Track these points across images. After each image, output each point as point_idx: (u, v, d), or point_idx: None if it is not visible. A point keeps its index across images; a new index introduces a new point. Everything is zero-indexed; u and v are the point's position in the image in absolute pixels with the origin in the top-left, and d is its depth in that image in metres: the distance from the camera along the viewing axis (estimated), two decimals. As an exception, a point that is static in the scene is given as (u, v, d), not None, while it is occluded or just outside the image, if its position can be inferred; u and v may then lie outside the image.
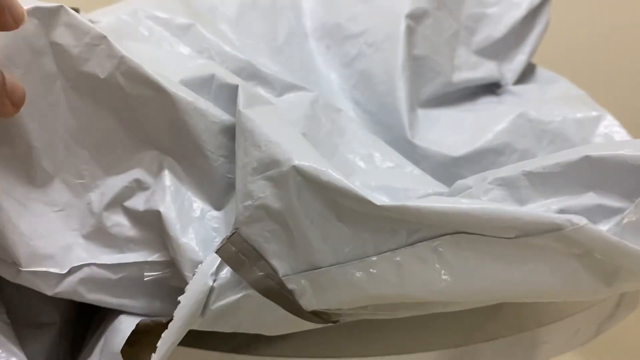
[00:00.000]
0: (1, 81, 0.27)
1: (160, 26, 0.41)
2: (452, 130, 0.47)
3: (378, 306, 0.32)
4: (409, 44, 0.47)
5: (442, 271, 0.28)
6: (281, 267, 0.31)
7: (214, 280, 0.31)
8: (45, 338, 0.36)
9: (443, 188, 0.37)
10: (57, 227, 0.33)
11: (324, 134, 0.39)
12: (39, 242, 0.32)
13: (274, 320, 0.33)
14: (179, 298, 0.30)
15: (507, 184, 0.29)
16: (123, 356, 0.32)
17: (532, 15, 0.53)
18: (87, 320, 0.39)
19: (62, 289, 0.33)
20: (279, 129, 0.31)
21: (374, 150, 0.40)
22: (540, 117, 0.45)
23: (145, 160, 0.33)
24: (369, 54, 0.48)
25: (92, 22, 0.32)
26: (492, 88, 0.52)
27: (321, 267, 0.30)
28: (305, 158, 0.29)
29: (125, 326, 0.33)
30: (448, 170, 0.44)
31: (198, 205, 0.33)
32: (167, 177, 0.33)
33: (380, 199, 0.28)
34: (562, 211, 0.28)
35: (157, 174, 0.33)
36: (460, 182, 0.33)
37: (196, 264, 0.31)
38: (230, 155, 0.33)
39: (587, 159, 0.28)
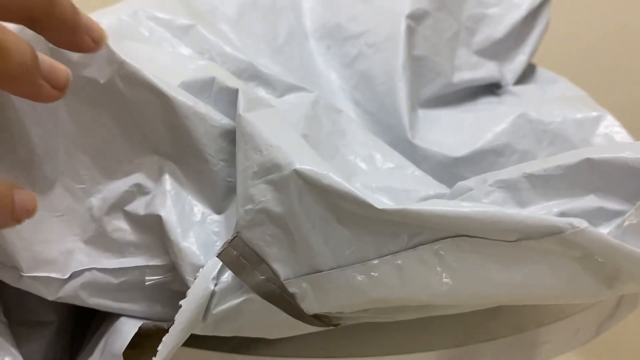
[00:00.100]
0: (32, 59, 0.24)
1: (161, 27, 0.41)
2: (452, 131, 0.47)
3: (379, 309, 0.32)
4: (410, 45, 0.47)
5: (444, 274, 0.28)
6: (282, 270, 0.31)
7: (215, 285, 0.31)
8: (43, 337, 0.36)
9: (444, 189, 0.37)
10: (59, 232, 0.33)
11: (325, 134, 0.39)
12: (40, 247, 0.32)
13: (275, 324, 0.33)
14: (181, 302, 0.30)
15: (508, 186, 0.29)
16: (124, 358, 0.32)
17: (532, 16, 0.53)
18: (85, 319, 0.39)
19: (63, 293, 0.33)
20: (280, 132, 0.31)
21: (374, 151, 0.40)
22: (540, 117, 0.45)
23: (145, 165, 0.33)
24: (369, 55, 0.48)
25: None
26: (492, 88, 0.52)
27: (322, 271, 0.30)
28: (307, 162, 0.29)
29: (127, 329, 0.33)
30: (448, 170, 0.44)
31: (199, 209, 0.33)
32: (168, 182, 0.33)
33: (382, 202, 0.28)
34: (563, 214, 0.28)
35: (157, 178, 0.33)
36: (461, 184, 0.33)
37: (197, 268, 0.31)
38: (231, 159, 0.33)
39: (588, 161, 0.28)
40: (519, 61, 0.53)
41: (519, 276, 0.27)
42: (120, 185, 0.33)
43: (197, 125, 0.31)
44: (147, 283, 0.34)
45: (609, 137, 0.44)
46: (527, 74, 0.54)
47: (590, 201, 0.28)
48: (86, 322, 0.39)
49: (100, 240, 0.33)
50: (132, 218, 0.33)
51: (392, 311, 0.32)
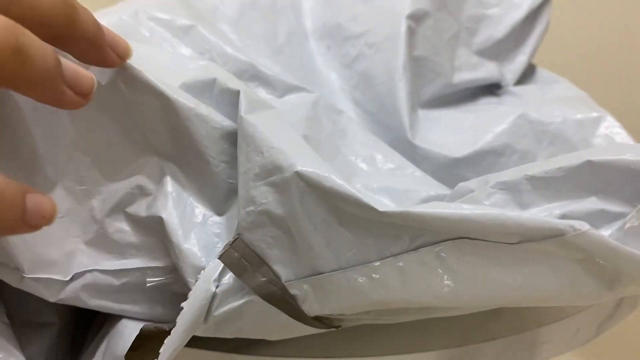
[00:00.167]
0: (54, 65, 0.24)
1: (162, 27, 0.41)
2: (452, 131, 0.47)
3: (380, 311, 0.32)
4: (410, 45, 0.47)
5: (445, 276, 0.28)
6: (284, 272, 0.31)
7: (217, 286, 0.31)
8: (44, 339, 0.36)
9: (445, 189, 0.37)
10: (60, 234, 0.33)
11: (326, 135, 0.39)
12: (41, 249, 0.32)
13: (276, 326, 0.33)
14: (182, 304, 0.30)
15: (510, 188, 0.29)
16: (125, 360, 0.32)
17: (532, 16, 0.53)
18: (87, 321, 0.39)
19: (64, 295, 0.33)
20: (282, 134, 0.31)
21: (375, 152, 0.40)
22: (540, 118, 0.45)
23: (147, 167, 0.33)
24: (369, 55, 0.48)
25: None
26: (492, 89, 0.52)
27: (324, 273, 0.30)
28: (308, 164, 0.29)
29: (129, 331, 0.33)
30: (449, 171, 0.44)
31: (200, 211, 0.33)
32: (169, 183, 0.33)
33: (383, 204, 0.28)
34: (564, 216, 0.28)
35: (158, 180, 0.33)
36: (462, 185, 0.33)
37: (198, 269, 0.31)
38: (232, 161, 0.33)
39: (589, 163, 0.28)
40: (519, 61, 0.53)
41: (519, 278, 0.27)
42: (121, 187, 0.33)
43: (198, 127, 0.31)
44: (148, 284, 0.34)
45: (609, 137, 0.44)
46: (527, 75, 0.54)
47: (592, 203, 0.28)
48: (87, 324, 0.39)
49: (102, 241, 0.33)
50: (133, 219, 0.33)
51: (393, 313, 0.32)
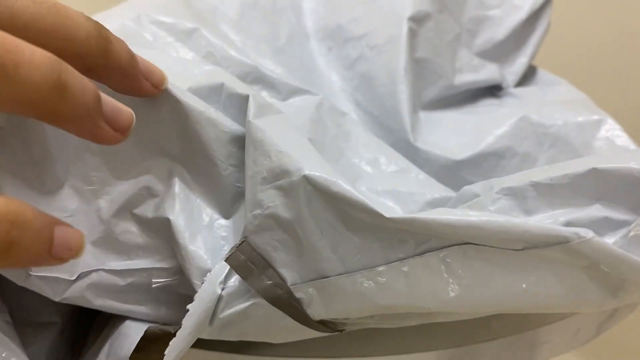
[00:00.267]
0: (94, 100, 0.24)
1: (164, 31, 0.41)
2: (453, 133, 0.47)
3: (384, 316, 0.32)
4: (411, 47, 0.47)
5: (450, 281, 0.29)
6: (289, 276, 0.31)
7: (223, 289, 0.31)
8: (45, 339, 0.36)
9: (449, 192, 0.37)
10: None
11: (330, 138, 0.39)
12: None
13: (281, 329, 0.33)
14: (188, 306, 0.30)
15: (515, 194, 0.30)
16: (130, 362, 0.32)
17: (533, 18, 0.53)
18: (89, 321, 0.39)
19: (69, 294, 0.33)
20: (289, 138, 0.31)
21: (379, 155, 0.40)
22: (541, 120, 0.45)
23: (155, 168, 0.33)
24: (370, 57, 0.48)
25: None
26: (493, 90, 0.53)
27: (329, 276, 0.30)
28: (316, 168, 0.29)
29: (133, 332, 0.33)
30: (450, 173, 0.44)
31: (207, 213, 0.33)
32: (177, 185, 0.33)
33: (390, 210, 0.28)
34: (569, 223, 0.28)
35: (166, 181, 0.33)
36: (466, 189, 0.33)
37: (204, 272, 0.31)
38: (240, 165, 0.33)
39: (594, 171, 0.28)
40: (520, 63, 0.53)
41: (524, 284, 0.28)
42: (129, 188, 0.33)
43: (208, 131, 0.31)
44: (153, 285, 0.34)
45: (610, 140, 0.44)
46: (528, 76, 0.54)
47: (596, 210, 0.28)
48: (88, 324, 0.39)
49: (108, 241, 0.33)
50: (140, 220, 0.33)
51: (397, 317, 0.33)
